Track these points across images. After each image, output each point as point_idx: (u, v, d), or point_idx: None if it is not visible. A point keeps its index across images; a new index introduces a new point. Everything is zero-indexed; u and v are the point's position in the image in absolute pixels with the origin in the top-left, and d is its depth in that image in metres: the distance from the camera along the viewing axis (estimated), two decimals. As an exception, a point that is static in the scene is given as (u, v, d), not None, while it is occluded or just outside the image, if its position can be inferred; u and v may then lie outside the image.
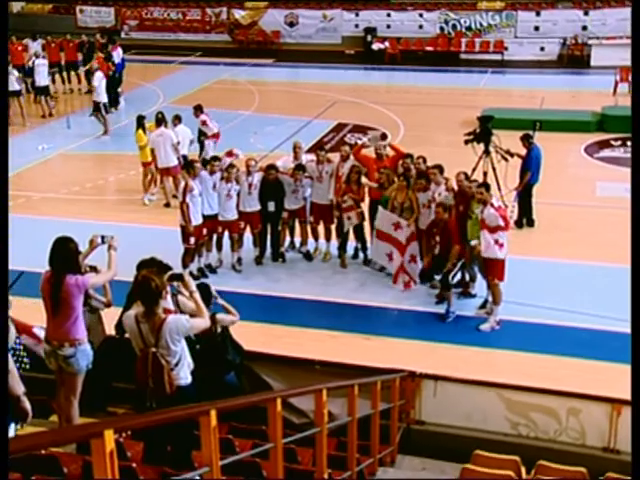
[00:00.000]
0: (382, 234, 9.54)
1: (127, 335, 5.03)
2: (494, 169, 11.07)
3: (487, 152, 11.07)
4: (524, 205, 11.46)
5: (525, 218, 11.46)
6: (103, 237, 5.85)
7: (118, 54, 20.17)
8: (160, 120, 12.47)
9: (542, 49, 25.31)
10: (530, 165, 11.23)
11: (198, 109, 13.48)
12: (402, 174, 9.62)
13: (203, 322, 5.07)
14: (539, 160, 11.34)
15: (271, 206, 10.05)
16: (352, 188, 9.83)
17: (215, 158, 9.94)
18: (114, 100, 19.24)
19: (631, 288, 3.61)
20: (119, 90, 19.71)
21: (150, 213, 12.37)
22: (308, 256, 10.56)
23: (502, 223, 8.36)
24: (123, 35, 28.31)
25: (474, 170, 10.73)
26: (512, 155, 11.29)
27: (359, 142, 11.66)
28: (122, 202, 12.91)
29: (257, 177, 9.96)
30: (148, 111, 13.83)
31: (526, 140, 11.34)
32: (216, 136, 13.53)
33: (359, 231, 10.12)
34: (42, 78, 18.71)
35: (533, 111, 18.01)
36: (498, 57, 25.27)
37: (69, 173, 14.99)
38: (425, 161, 9.73)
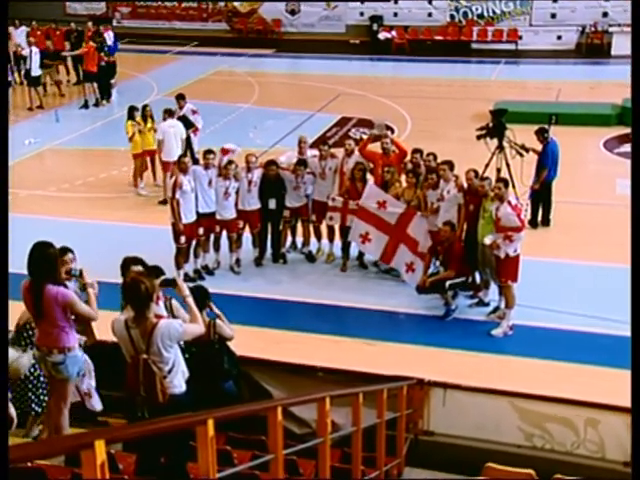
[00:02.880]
0: (364, 212, 9.53)
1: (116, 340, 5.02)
2: (508, 165, 11.05)
3: (501, 147, 11.05)
4: (542, 203, 11.41)
5: (541, 217, 11.44)
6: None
7: (109, 36, 20.23)
8: (170, 112, 12.61)
9: (559, 38, 25.29)
10: (547, 161, 11.20)
11: (182, 98, 13.41)
12: (411, 170, 9.63)
13: (197, 328, 5.08)
14: (556, 155, 11.31)
15: (272, 204, 10.06)
16: (356, 186, 9.83)
17: (209, 151, 9.93)
18: (106, 92, 19.30)
19: (631, 289, 3.61)
20: (112, 82, 19.74)
21: (143, 211, 12.39)
22: (310, 257, 10.57)
23: (518, 224, 8.34)
24: (115, 23, 28.32)
25: (487, 166, 10.71)
26: (527, 150, 11.26)
27: (364, 137, 11.65)
28: (114, 200, 12.93)
29: (257, 174, 9.97)
30: (141, 104, 13.82)
31: (541, 134, 11.31)
32: (197, 129, 13.51)
33: (347, 232, 10.11)
34: (35, 68, 18.78)
35: (549, 104, 18.01)
36: (512, 47, 25.28)
37: (58, 169, 15.02)
38: (435, 158, 9.73)
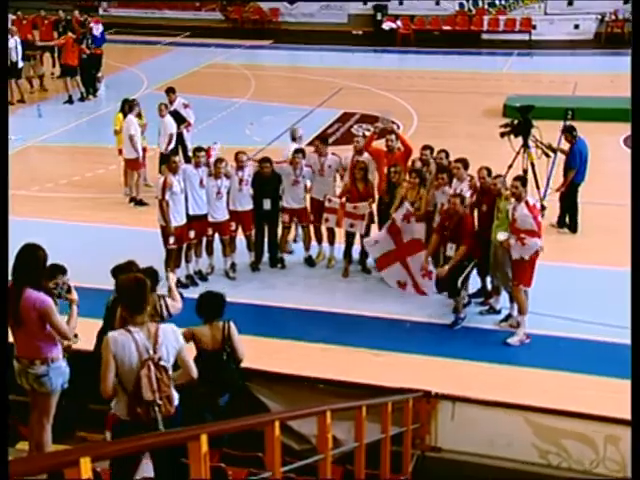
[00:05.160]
0: (394, 228, 9.49)
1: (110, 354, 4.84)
2: (533, 166, 11.02)
3: (526, 146, 10.99)
4: (569, 207, 11.30)
5: (568, 221, 11.28)
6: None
7: (97, 28, 20.29)
8: (131, 107, 12.78)
9: (576, 27, 25.32)
10: (574, 162, 11.11)
11: (172, 91, 13.43)
12: (414, 170, 9.59)
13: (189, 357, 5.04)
14: (585, 155, 11.20)
15: (266, 204, 10.06)
16: (357, 187, 9.85)
17: (200, 149, 9.95)
18: (91, 85, 19.31)
19: (631, 293, 3.63)
20: (98, 75, 19.77)
21: (132, 212, 12.41)
22: (310, 262, 10.57)
23: (534, 227, 8.29)
24: (101, 12, 28.39)
25: (510, 167, 10.68)
26: (554, 151, 11.25)
27: (367, 133, 11.66)
28: (101, 200, 12.95)
29: (247, 171, 9.99)
30: (131, 98, 13.82)
31: (569, 133, 11.22)
32: (190, 124, 13.59)
33: (351, 236, 10.10)
34: (19, 59, 18.81)
35: (565, 98, 18.01)
36: (525, 37, 25.32)
37: (41, 168, 15.04)
38: (448, 155, 9.71)
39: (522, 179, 8.79)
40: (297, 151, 10.18)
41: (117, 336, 4.66)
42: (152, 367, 4.59)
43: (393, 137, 10.25)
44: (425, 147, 9.95)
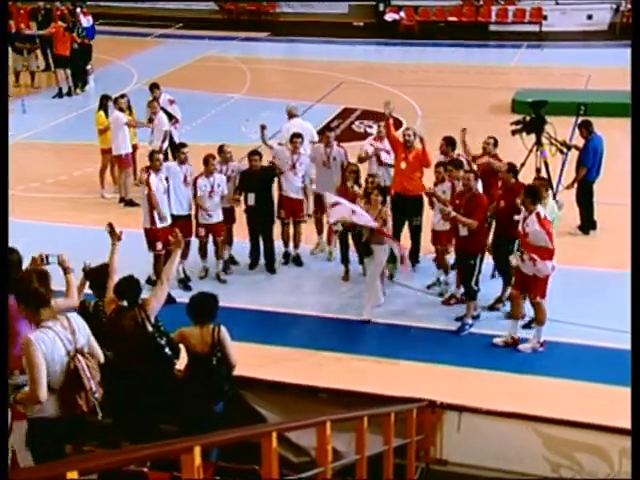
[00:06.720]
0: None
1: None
2: (546, 164, 11.04)
3: (539, 144, 11.01)
4: (582, 207, 11.32)
5: (580, 221, 11.29)
6: (47, 257, 5.67)
7: (88, 20, 20.30)
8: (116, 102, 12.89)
9: (589, 17, 25.31)
10: (586, 159, 11.12)
11: (156, 87, 13.39)
12: (377, 187, 9.34)
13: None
14: (599, 152, 11.21)
15: (251, 199, 10.08)
16: (347, 187, 9.82)
17: (183, 145, 10.00)
18: (80, 78, 19.31)
19: (631, 296, 3.63)
20: (88, 68, 19.77)
21: (122, 213, 12.40)
22: (298, 261, 10.63)
23: (548, 245, 8.16)
24: (89, 2, 28.34)
25: (522, 166, 10.70)
26: (569, 148, 11.26)
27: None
28: (89, 201, 12.97)
29: (231, 167, 10.08)
30: (121, 92, 13.85)
31: (585, 128, 11.24)
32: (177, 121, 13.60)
33: (345, 240, 10.11)
34: None
35: (577, 92, 18.04)
36: (535, 28, 25.34)
37: (26, 166, 15.00)
38: (496, 144, 9.78)
39: (532, 192, 8.42)
40: (296, 135, 10.29)
41: (41, 335, 4.73)
42: (81, 357, 4.80)
43: (411, 132, 10.27)
44: (445, 139, 9.97)
